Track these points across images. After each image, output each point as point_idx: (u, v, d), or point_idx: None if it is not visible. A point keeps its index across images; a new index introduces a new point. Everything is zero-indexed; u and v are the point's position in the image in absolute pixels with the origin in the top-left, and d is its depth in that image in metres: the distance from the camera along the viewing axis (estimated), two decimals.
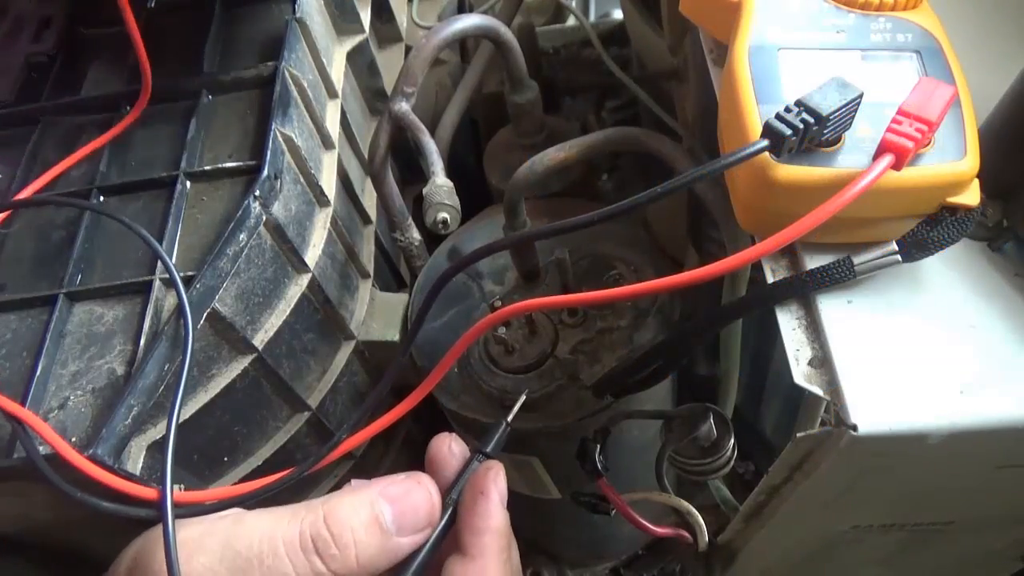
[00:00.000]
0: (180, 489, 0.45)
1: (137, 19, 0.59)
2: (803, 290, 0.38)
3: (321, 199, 0.55)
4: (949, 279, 0.38)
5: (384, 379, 0.47)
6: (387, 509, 0.38)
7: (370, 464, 0.67)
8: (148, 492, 0.40)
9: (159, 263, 0.45)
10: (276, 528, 0.36)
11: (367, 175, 0.68)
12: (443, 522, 0.40)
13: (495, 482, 0.41)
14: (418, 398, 0.46)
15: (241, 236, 0.46)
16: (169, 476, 0.38)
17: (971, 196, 0.36)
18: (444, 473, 0.43)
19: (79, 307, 0.46)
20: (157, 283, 0.44)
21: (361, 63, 0.68)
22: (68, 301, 0.45)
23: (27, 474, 0.39)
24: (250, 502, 0.42)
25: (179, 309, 0.43)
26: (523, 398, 0.46)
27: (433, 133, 0.57)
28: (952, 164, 0.35)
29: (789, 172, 0.35)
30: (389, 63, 0.74)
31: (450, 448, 0.44)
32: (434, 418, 0.63)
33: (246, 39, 0.58)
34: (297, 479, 0.43)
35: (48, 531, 0.48)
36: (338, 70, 0.63)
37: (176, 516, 0.37)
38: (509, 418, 0.44)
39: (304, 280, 0.52)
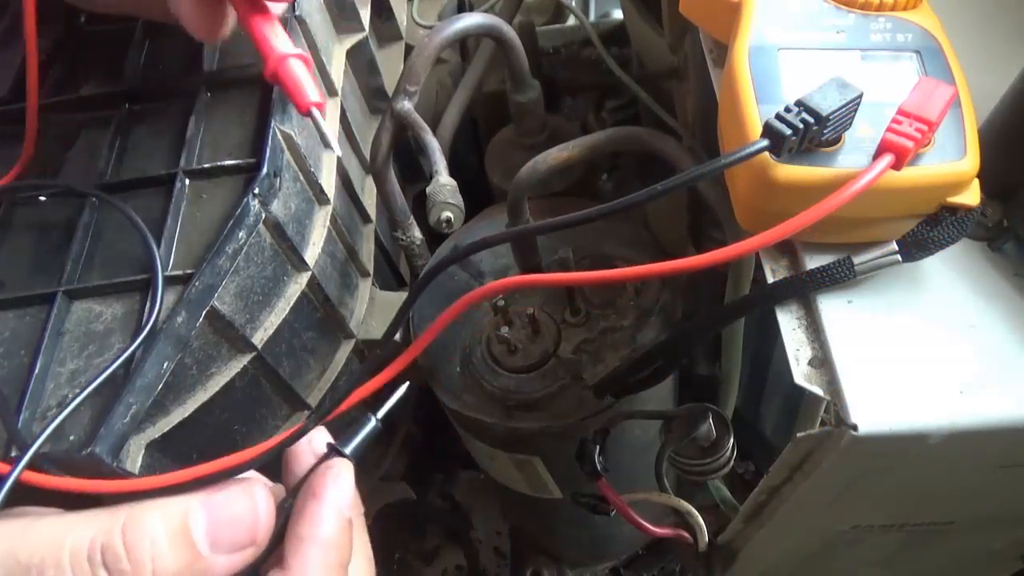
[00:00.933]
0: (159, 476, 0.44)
1: (137, 17, 0.58)
2: (803, 290, 0.38)
3: (321, 197, 0.55)
4: (949, 279, 0.38)
5: (368, 361, 0.46)
6: (201, 519, 0.31)
7: (369, 463, 0.67)
8: None
9: (159, 262, 0.45)
10: (66, 534, 0.30)
11: (367, 173, 0.68)
12: (274, 531, 0.34)
13: (334, 483, 0.34)
14: (406, 361, 0.46)
15: (240, 234, 0.46)
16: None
17: (971, 196, 0.36)
18: (296, 471, 0.36)
19: (78, 305, 0.46)
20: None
21: (361, 62, 0.68)
22: (67, 299, 0.45)
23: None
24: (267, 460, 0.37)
25: (153, 303, 0.42)
26: (401, 391, 0.39)
27: (434, 132, 0.57)
28: (952, 164, 0.35)
29: (789, 172, 0.35)
30: (389, 62, 0.74)
31: (310, 442, 0.36)
32: (434, 419, 0.63)
33: (245, 37, 0.58)
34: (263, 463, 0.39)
35: None
36: (338, 68, 0.63)
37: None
38: (380, 414, 0.38)
39: (304, 279, 0.51)
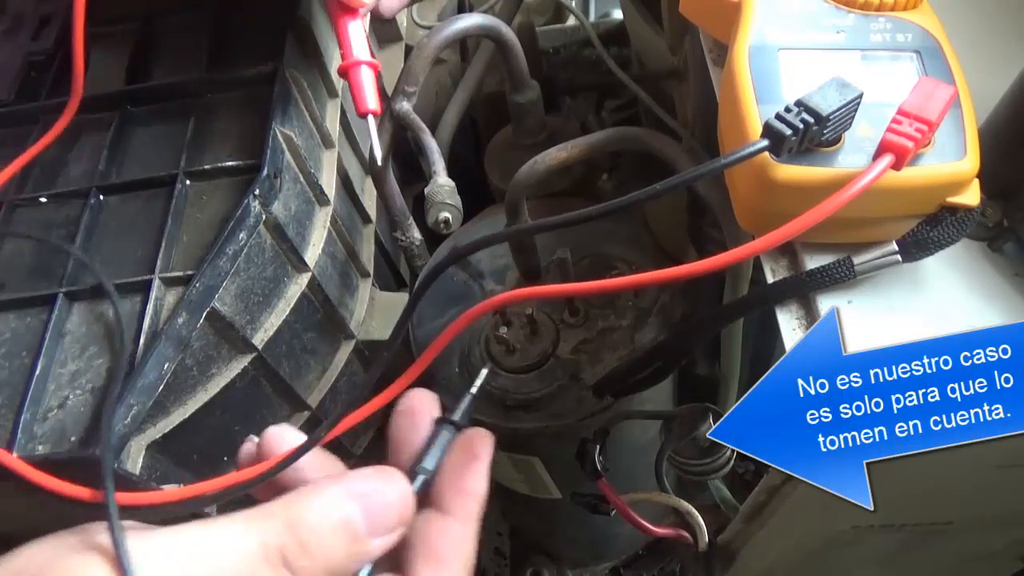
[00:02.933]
0: (179, 488, 0.44)
1: (137, 19, 0.59)
2: (803, 290, 0.38)
3: (321, 198, 0.55)
4: (949, 279, 0.38)
5: (374, 367, 0.46)
6: (357, 510, 0.34)
7: (372, 461, 0.66)
8: (83, 492, 0.36)
9: (159, 262, 0.45)
10: (234, 542, 0.32)
11: (367, 174, 0.68)
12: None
13: (487, 449, 0.39)
14: (409, 379, 0.46)
15: (241, 235, 0.46)
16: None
17: (971, 196, 0.36)
18: (412, 438, 0.40)
19: (78, 306, 0.46)
20: (156, 282, 0.44)
21: None
22: (67, 300, 0.45)
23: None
24: (222, 501, 0.38)
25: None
26: (486, 370, 0.43)
27: (433, 133, 0.57)
28: (952, 164, 0.35)
29: (789, 172, 0.35)
30: (389, 62, 0.74)
31: (429, 406, 0.40)
32: None
33: (246, 38, 0.58)
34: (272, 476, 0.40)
35: (41, 532, 0.48)
36: None
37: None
38: (474, 389, 0.42)
39: (304, 279, 0.52)
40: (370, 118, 0.47)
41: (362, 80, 0.47)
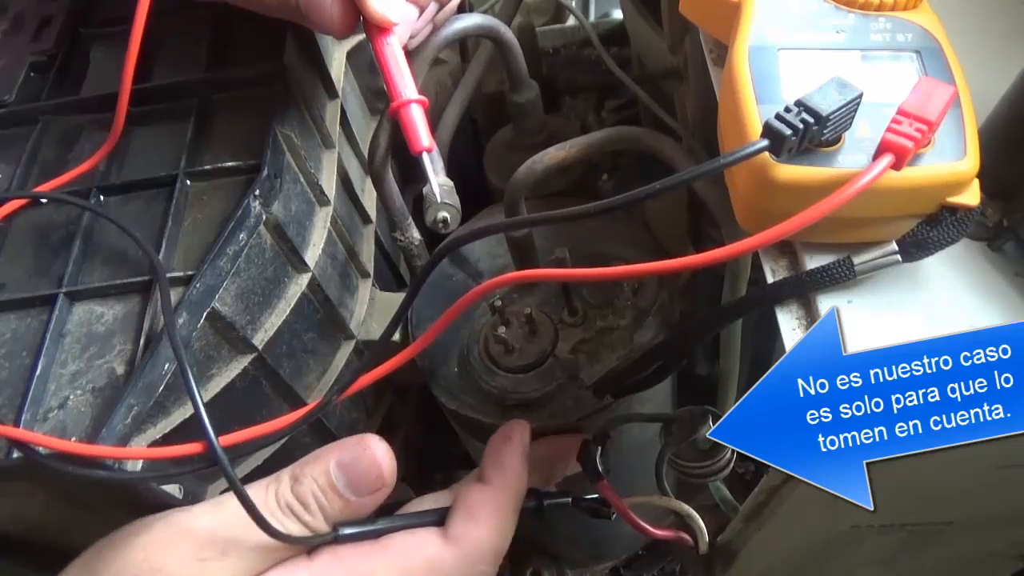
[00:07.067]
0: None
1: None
2: (803, 290, 0.38)
3: (321, 198, 0.55)
4: (949, 279, 0.39)
5: (370, 353, 0.47)
6: (341, 477, 0.43)
7: None
8: (191, 448, 0.41)
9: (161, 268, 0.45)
10: (257, 499, 0.41)
11: (367, 174, 0.68)
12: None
13: (524, 431, 0.50)
14: (402, 360, 0.46)
15: (241, 235, 0.46)
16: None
17: (971, 196, 0.36)
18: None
19: (79, 306, 0.46)
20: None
21: (361, 62, 0.68)
22: (68, 300, 0.45)
23: (28, 474, 0.39)
24: (288, 435, 0.46)
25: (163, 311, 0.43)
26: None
27: (433, 132, 0.57)
28: (952, 164, 0.35)
29: (789, 172, 0.35)
30: None
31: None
32: (434, 419, 0.63)
33: (246, 38, 0.58)
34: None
35: (46, 532, 0.48)
36: (338, 69, 0.63)
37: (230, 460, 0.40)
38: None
39: (304, 280, 0.52)
40: (424, 155, 0.48)
41: (414, 119, 0.48)
